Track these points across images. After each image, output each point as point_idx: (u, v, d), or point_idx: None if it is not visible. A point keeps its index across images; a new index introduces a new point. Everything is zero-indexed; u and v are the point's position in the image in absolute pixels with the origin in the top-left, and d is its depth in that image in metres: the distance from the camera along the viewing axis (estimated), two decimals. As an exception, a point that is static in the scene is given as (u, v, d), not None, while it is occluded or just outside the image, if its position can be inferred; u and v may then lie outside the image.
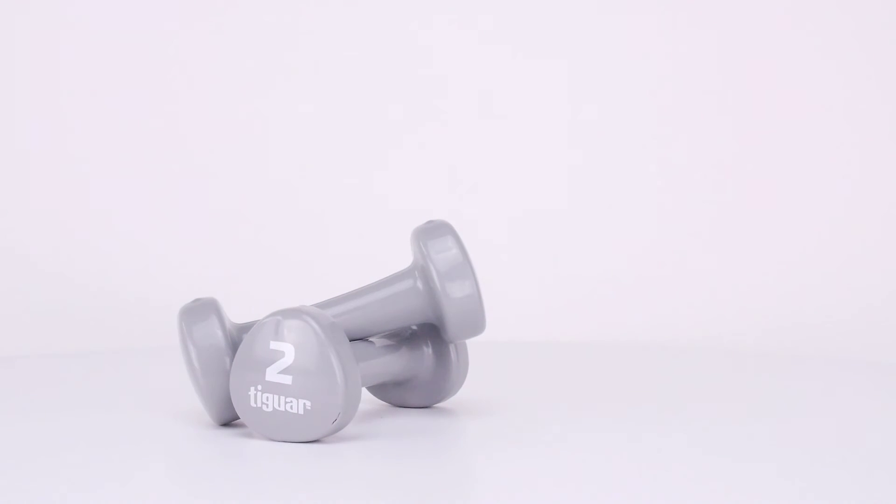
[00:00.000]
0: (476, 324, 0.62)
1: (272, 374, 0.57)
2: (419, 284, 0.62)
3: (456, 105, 1.10)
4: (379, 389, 0.67)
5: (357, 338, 0.63)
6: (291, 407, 0.57)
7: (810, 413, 0.69)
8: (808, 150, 1.09)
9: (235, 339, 0.60)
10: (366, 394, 0.68)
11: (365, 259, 0.89)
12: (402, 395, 0.67)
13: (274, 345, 0.57)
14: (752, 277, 1.08)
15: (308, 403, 0.57)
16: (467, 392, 0.68)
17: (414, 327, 0.65)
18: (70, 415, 0.65)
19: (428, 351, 0.65)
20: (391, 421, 0.64)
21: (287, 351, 0.57)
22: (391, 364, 0.64)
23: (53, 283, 1.00)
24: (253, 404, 0.57)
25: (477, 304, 0.61)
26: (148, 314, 0.99)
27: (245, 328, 0.61)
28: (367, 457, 0.56)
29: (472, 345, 0.67)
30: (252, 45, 1.09)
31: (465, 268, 0.61)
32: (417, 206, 1.07)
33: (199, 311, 0.60)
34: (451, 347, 0.65)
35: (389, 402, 0.67)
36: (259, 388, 0.57)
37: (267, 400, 0.57)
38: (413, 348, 0.65)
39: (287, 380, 0.57)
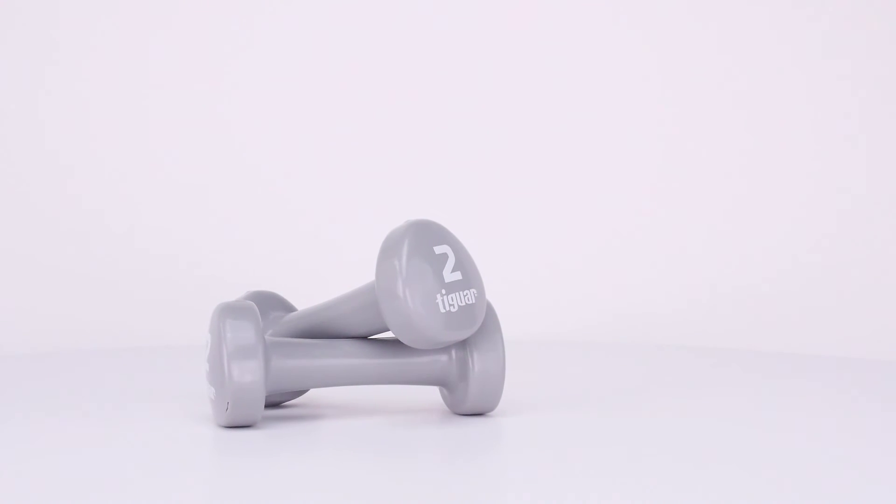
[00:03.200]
0: (419, 338, 0.57)
1: (204, 362, 0.61)
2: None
3: (456, 104, 1.10)
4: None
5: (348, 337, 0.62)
6: (211, 394, 0.61)
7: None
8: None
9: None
10: (437, 395, 0.66)
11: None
12: (445, 400, 0.64)
13: (207, 336, 0.61)
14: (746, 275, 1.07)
15: (213, 391, 0.60)
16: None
17: None
18: (91, 411, 0.67)
19: (445, 359, 0.62)
20: (408, 421, 0.62)
21: (208, 341, 0.61)
22: (388, 367, 0.62)
23: (76, 281, 1.04)
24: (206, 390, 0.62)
25: (417, 320, 0.57)
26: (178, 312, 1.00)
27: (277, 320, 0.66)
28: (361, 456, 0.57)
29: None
30: (257, 44, 1.10)
31: (398, 284, 0.57)
32: (421, 202, 1.07)
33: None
34: (471, 356, 0.61)
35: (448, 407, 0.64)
36: (205, 375, 0.62)
37: (206, 387, 0.62)
38: (433, 354, 0.62)
39: (207, 367, 0.61)
